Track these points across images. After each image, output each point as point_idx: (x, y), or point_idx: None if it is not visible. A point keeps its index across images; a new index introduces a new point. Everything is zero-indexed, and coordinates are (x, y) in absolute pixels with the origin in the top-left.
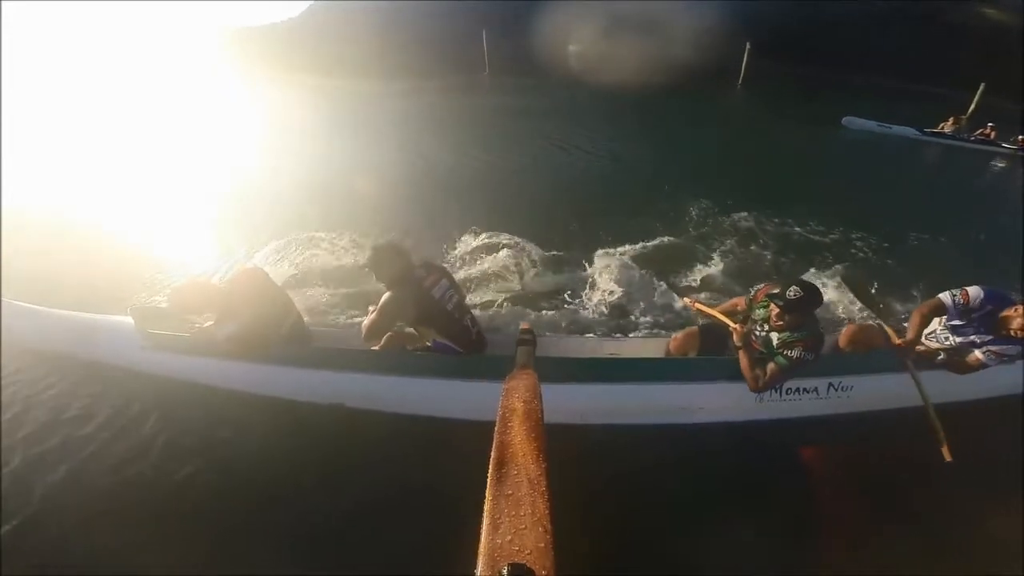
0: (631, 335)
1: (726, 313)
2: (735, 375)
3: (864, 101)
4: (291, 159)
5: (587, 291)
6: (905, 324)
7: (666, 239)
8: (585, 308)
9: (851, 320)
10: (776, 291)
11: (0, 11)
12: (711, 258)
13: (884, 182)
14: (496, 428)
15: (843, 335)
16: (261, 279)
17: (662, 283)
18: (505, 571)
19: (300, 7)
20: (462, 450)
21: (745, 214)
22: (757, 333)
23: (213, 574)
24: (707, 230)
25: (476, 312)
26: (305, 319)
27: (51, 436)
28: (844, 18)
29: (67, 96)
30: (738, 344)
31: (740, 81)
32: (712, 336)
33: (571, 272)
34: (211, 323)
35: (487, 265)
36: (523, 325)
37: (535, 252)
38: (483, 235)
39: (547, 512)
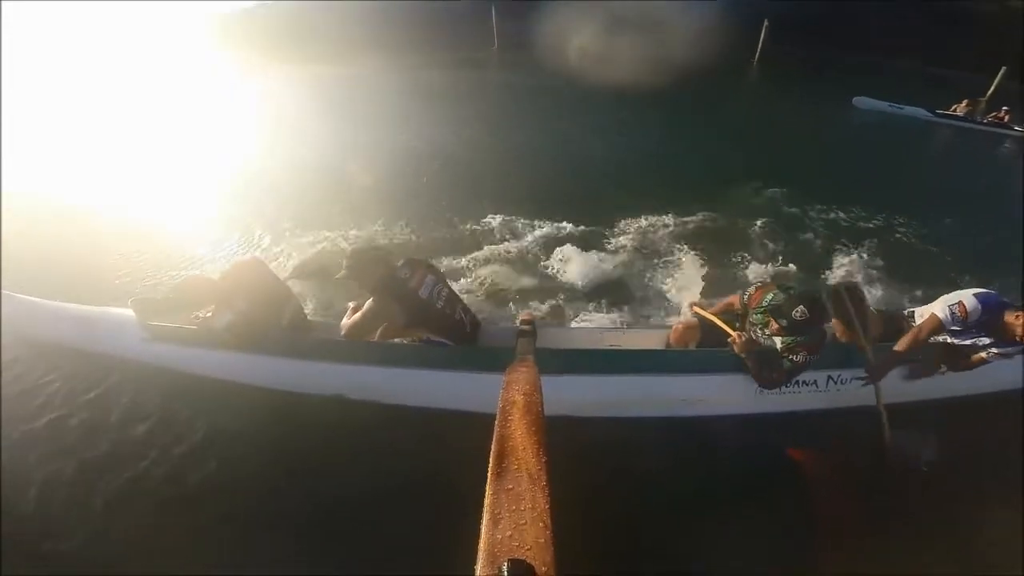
0: (632, 326)
1: (723, 314)
2: (736, 367)
3: (877, 80)
4: (292, 147)
5: (587, 279)
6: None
7: (672, 221)
8: (587, 296)
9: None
10: (778, 304)
11: (0, 11)
12: (719, 241)
13: (893, 163)
14: (496, 421)
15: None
16: (259, 269)
17: (668, 278)
18: (505, 567)
19: None
20: (462, 443)
21: (753, 193)
22: (757, 335)
23: (213, 565)
24: (715, 213)
25: (467, 296)
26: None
27: (51, 428)
28: None
29: (66, 90)
30: (740, 354)
31: (756, 59)
32: (712, 328)
33: (580, 257)
34: (210, 314)
35: (491, 254)
36: (524, 316)
37: (544, 238)
38: (489, 220)
39: (547, 507)
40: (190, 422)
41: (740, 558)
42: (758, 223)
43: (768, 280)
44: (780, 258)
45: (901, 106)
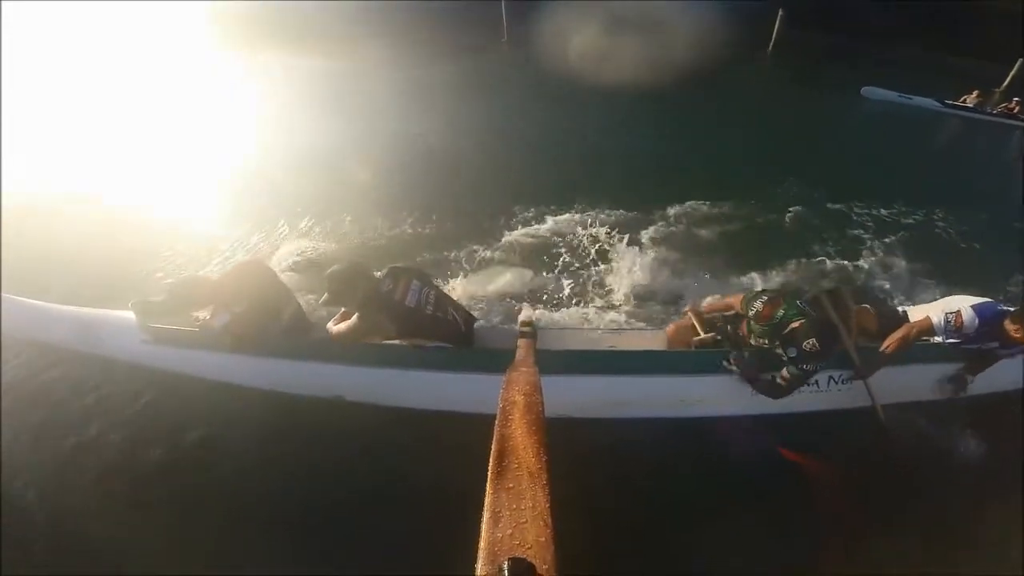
0: (630, 327)
1: (720, 313)
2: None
3: (890, 71)
4: (292, 141)
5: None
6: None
7: (675, 215)
8: (589, 294)
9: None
10: (789, 332)
11: (0, 11)
12: (725, 233)
13: (902, 154)
14: (497, 421)
15: None
16: (258, 270)
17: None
18: (506, 565)
19: None
20: (462, 444)
21: (759, 184)
22: (757, 343)
23: (213, 566)
24: (722, 204)
25: (470, 294)
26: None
27: (51, 431)
28: None
29: (65, 90)
30: (744, 374)
31: (770, 48)
32: (711, 328)
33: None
34: (209, 315)
35: (509, 245)
36: (523, 318)
37: (554, 232)
38: (499, 215)
39: (548, 506)
40: (190, 424)
41: (740, 556)
42: (761, 219)
43: (775, 291)
44: (779, 256)
45: (910, 97)
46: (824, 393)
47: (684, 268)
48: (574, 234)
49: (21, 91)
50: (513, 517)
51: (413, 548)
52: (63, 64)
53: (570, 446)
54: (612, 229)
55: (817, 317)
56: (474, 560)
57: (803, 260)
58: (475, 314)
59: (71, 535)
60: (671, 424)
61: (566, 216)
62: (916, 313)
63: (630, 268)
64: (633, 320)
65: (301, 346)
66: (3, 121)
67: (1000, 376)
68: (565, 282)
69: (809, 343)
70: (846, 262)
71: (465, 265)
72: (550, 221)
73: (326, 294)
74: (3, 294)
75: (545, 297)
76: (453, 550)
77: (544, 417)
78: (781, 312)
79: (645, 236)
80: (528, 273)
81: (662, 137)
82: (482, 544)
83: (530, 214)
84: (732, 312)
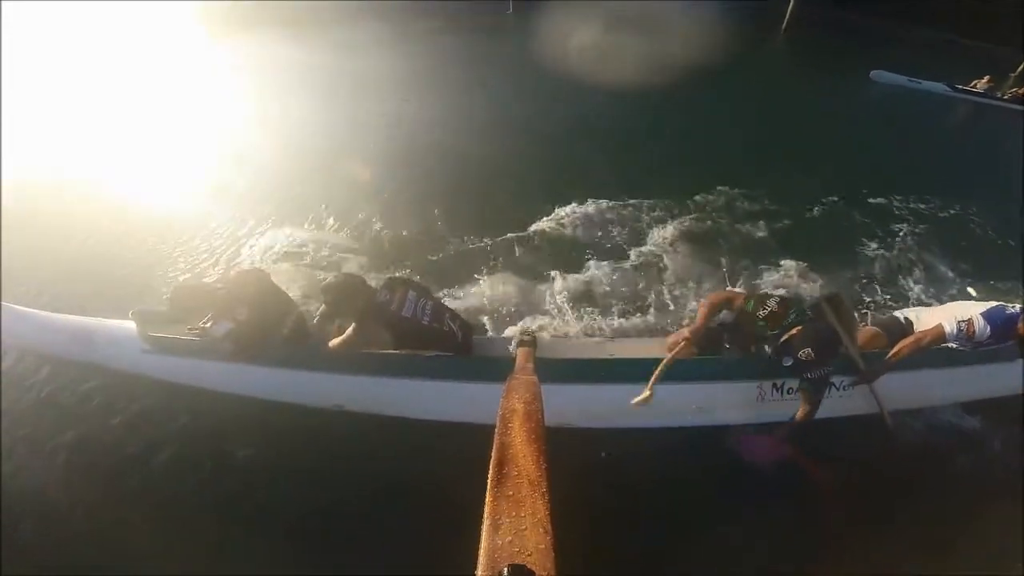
0: (633, 335)
1: (717, 312)
2: (735, 375)
3: (904, 52)
4: (291, 134)
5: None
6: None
7: (677, 209)
8: (590, 294)
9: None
10: (788, 337)
11: (0, 11)
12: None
13: (912, 140)
14: (496, 429)
15: None
16: (259, 278)
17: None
18: (506, 572)
19: None
20: (463, 453)
21: (768, 173)
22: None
23: (212, 574)
24: (727, 197)
25: (472, 297)
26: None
27: (52, 439)
28: None
29: (64, 91)
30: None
31: (784, 27)
32: (711, 335)
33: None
34: (209, 323)
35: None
36: (523, 327)
37: (559, 224)
38: (506, 209)
39: (548, 513)
40: (190, 433)
41: (742, 566)
42: (775, 208)
43: (784, 292)
44: (780, 253)
45: (919, 81)
46: (827, 399)
47: (685, 269)
48: (574, 234)
49: (21, 91)
50: (513, 524)
51: (414, 555)
52: (63, 64)
53: (572, 455)
54: (612, 227)
55: (815, 324)
56: (474, 567)
57: (809, 253)
58: (474, 323)
59: (71, 539)
60: (673, 433)
61: (567, 208)
62: (921, 317)
63: (630, 269)
64: (633, 323)
65: (301, 355)
66: (3, 120)
67: (1000, 379)
68: (560, 287)
69: (804, 352)
70: (858, 249)
71: (465, 266)
72: (549, 218)
73: (323, 306)
74: (3, 303)
75: (543, 306)
76: (453, 557)
77: (544, 425)
78: (793, 315)
79: (645, 236)
80: (527, 282)
81: (670, 122)
82: (482, 551)
83: (530, 210)
84: (732, 317)
